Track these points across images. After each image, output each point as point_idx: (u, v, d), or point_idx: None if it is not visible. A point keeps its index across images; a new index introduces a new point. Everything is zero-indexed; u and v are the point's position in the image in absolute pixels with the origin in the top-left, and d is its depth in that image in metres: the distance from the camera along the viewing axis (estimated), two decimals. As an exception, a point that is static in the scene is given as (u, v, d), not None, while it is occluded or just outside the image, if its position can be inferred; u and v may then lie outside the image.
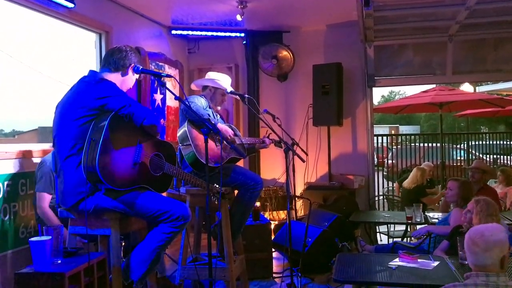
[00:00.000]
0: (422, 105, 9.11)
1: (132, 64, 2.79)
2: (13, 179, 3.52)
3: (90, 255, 2.49)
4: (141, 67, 2.83)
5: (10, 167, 3.51)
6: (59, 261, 2.45)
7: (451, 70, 5.97)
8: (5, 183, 3.45)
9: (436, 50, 6.02)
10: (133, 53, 2.82)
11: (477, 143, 12.64)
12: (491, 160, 11.58)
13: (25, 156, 3.64)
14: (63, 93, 2.71)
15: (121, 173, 2.52)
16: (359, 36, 5.81)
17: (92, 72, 2.76)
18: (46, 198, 3.39)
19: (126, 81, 2.81)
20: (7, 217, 3.45)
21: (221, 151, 3.49)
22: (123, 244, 3.16)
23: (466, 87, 13.68)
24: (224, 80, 3.86)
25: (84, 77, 2.72)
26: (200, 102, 3.68)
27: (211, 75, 3.90)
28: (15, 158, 3.55)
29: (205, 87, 3.90)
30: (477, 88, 14.41)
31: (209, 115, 3.64)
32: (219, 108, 3.93)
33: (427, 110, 10.59)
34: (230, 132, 3.67)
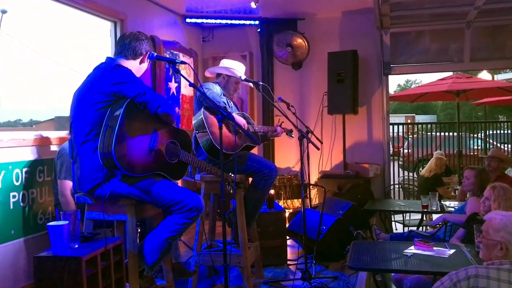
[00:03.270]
0: (439, 93, 8.96)
1: (147, 53, 2.83)
2: (31, 166, 3.56)
3: (107, 239, 2.53)
4: (155, 53, 2.87)
5: (28, 154, 3.56)
6: (76, 246, 2.49)
7: (469, 57, 5.86)
8: (24, 170, 3.50)
9: (454, 37, 5.91)
10: (148, 40, 2.87)
11: (494, 132, 12.43)
12: (509, 149, 11.38)
13: (43, 143, 3.69)
14: (79, 83, 2.73)
15: (137, 160, 2.54)
16: (375, 23, 5.74)
17: (109, 59, 2.78)
18: (68, 186, 3.39)
19: (142, 68, 2.87)
20: (25, 204, 3.51)
21: (235, 138, 3.49)
22: (139, 230, 3.21)
23: (484, 75, 13.43)
24: (238, 68, 3.84)
25: (101, 63, 2.75)
26: (216, 89, 3.69)
27: (225, 62, 3.88)
28: (33, 146, 3.60)
29: (218, 75, 3.89)
30: (495, 76, 14.17)
31: (224, 103, 3.65)
32: (233, 96, 3.93)
33: (444, 98, 10.44)
34: (243, 122, 3.67)
